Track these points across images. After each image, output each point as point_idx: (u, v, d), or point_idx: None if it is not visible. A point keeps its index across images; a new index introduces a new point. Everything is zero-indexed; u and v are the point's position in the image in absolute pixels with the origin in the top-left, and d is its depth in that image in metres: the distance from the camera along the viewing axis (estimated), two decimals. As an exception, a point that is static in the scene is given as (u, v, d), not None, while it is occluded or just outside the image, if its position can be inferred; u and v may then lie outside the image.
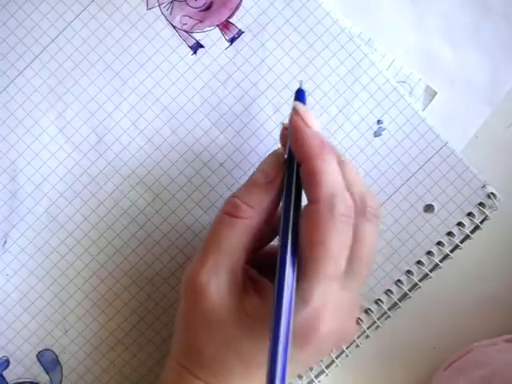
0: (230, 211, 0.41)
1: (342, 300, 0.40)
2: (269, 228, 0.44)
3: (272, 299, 0.38)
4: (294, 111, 0.42)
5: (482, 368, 0.47)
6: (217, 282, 0.40)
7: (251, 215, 0.41)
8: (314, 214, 0.38)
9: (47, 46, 0.49)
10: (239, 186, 0.49)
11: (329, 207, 0.38)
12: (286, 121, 0.43)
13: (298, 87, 0.44)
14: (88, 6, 0.49)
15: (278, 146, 0.50)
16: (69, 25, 0.49)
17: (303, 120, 0.41)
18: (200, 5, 0.49)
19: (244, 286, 0.42)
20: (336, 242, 0.38)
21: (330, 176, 0.39)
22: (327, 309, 0.39)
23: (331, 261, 0.38)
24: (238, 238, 0.41)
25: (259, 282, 0.43)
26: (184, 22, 0.49)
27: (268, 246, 0.47)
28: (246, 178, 0.49)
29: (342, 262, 0.39)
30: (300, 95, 0.44)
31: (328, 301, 0.39)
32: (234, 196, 0.42)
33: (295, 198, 0.41)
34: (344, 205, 0.39)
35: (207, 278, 0.40)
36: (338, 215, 0.38)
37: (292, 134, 0.41)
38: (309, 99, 0.50)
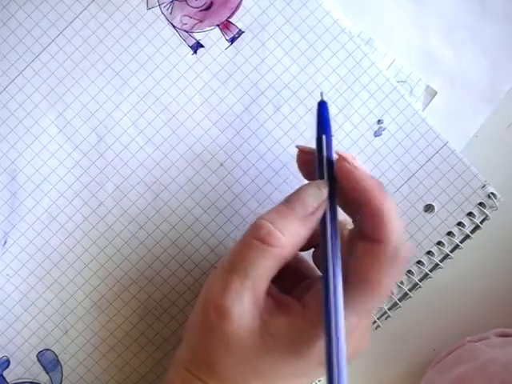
0: (262, 237, 0.39)
1: (364, 326, 0.41)
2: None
3: (298, 316, 0.39)
4: (338, 156, 0.40)
5: (466, 364, 0.47)
6: (240, 308, 0.39)
7: (284, 245, 0.39)
8: (377, 254, 0.38)
9: (47, 45, 0.49)
10: (239, 185, 0.50)
11: (395, 252, 0.38)
12: (299, 142, 0.45)
13: (319, 99, 0.42)
14: (88, 5, 0.49)
15: (278, 145, 0.50)
16: (69, 25, 0.49)
17: (349, 163, 0.39)
18: (200, 4, 0.49)
19: (267, 308, 0.41)
20: (390, 285, 0.39)
21: (398, 222, 0.39)
22: (354, 335, 0.40)
23: (380, 300, 0.39)
24: (266, 266, 0.40)
25: (282, 301, 0.42)
26: (184, 22, 0.49)
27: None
28: (246, 178, 0.50)
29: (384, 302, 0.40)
30: (322, 108, 0.42)
31: (355, 328, 0.40)
32: (265, 219, 0.40)
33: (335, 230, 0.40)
34: (405, 253, 0.39)
35: (231, 302, 0.39)
36: (401, 261, 0.38)
37: (344, 175, 0.39)
38: (309, 99, 0.50)
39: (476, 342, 0.51)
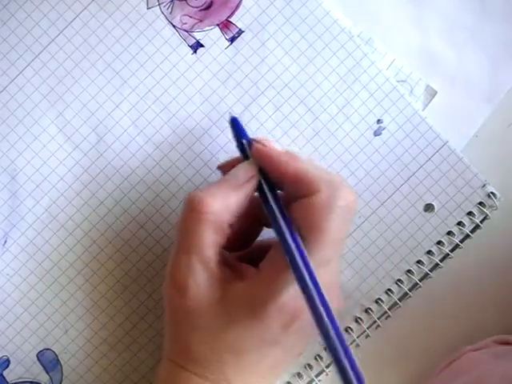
0: (194, 207, 0.41)
1: (327, 276, 0.41)
2: (250, 225, 0.46)
3: (253, 279, 0.41)
4: (253, 140, 0.44)
5: (466, 375, 0.47)
6: (194, 280, 0.41)
7: (217, 211, 0.41)
8: (311, 204, 0.40)
9: (47, 45, 0.49)
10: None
11: (328, 197, 0.40)
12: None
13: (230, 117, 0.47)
14: (88, 5, 0.49)
15: (278, 145, 0.50)
16: (69, 24, 0.49)
17: (262, 144, 0.43)
18: (200, 4, 0.49)
19: (224, 277, 0.42)
20: (334, 230, 0.40)
21: (319, 171, 0.42)
22: None
23: (331, 248, 0.40)
24: (206, 235, 0.41)
25: (238, 268, 0.43)
26: (184, 22, 0.49)
27: (257, 241, 0.48)
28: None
29: (340, 248, 0.42)
30: (235, 122, 0.47)
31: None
32: (196, 191, 0.42)
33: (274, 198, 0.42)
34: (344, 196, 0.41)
35: (184, 277, 0.41)
36: (338, 205, 0.40)
37: (259, 154, 0.43)
38: (309, 98, 0.50)
39: (476, 350, 0.51)
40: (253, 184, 0.42)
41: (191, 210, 0.41)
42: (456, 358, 0.51)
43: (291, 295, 0.40)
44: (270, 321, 0.40)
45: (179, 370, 0.42)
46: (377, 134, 0.51)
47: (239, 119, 0.47)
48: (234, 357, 0.41)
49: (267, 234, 0.47)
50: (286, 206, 0.42)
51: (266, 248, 0.44)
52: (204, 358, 0.41)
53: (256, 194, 0.43)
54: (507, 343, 0.50)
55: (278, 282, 0.40)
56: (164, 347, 0.45)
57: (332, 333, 0.36)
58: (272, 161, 0.42)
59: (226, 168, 0.45)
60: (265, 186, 0.43)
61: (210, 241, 0.41)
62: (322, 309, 0.36)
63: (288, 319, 0.40)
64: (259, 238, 0.48)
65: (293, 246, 0.39)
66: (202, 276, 0.41)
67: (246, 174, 0.43)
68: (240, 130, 0.46)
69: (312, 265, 0.38)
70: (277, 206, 0.42)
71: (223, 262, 0.43)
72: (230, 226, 0.42)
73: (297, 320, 0.40)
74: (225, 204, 0.41)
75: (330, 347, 0.35)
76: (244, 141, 0.45)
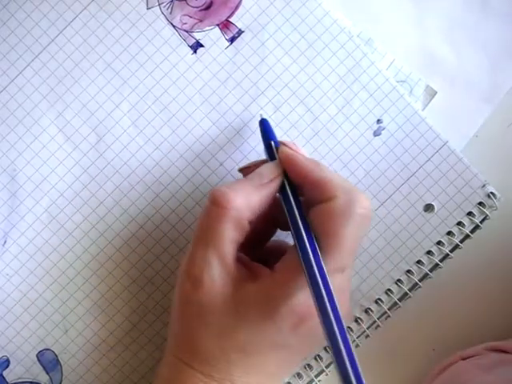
0: (216, 201, 0.41)
1: (337, 282, 0.41)
2: (265, 226, 0.46)
3: (267, 280, 0.41)
4: (280, 142, 0.45)
5: None
6: (209, 275, 0.41)
7: (239, 207, 0.41)
8: (328, 210, 0.40)
9: (47, 45, 0.49)
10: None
11: (346, 204, 0.40)
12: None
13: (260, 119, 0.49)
14: (88, 5, 0.49)
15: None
16: (69, 24, 0.49)
17: (289, 147, 0.45)
18: (200, 4, 0.49)
19: (239, 275, 0.42)
20: (350, 237, 0.40)
21: (338, 178, 0.42)
22: None
23: (345, 253, 0.40)
24: (226, 230, 0.41)
25: (253, 268, 0.43)
26: (184, 22, 0.49)
27: (271, 241, 0.48)
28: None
29: (354, 255, 0.41)
30: (265, 124, 0.48)
31: None
32: (220, 186, 0.42)
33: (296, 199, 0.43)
34: (361, 203, 0.41)
35: (200, 271, 0.41)
36: (356, 212, 0.40)
37: (285, 157, 0.44)
38: (308, 98, 0.50)
39: (468, 358, 0.51)
40: (276, 184, 0.43)
41: (214, 204, 0.41)
42: (446, 365, 0.51)
43: (304, 298, 0.40)
44: (281, 322, 0.40)
45: (184, 368, 0.42)
46: (376, 134, 0.51)
47: (269, 121, 0.48)
48: (243, 357, 0.41)
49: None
50: (304, 211, 0.42)
51: (278, 250, 0.45)
52: (212, 357, 0.41)
53: (277, 195, 0.44)
54: (498, 350, 0.50)
55: (291, 284, 0.40)
56: (168, 344, 0.45)
57: (340, 342, 0.35)
58: (297, 164, 0.43)
59: (246, 170, 0.46)
60: (288, 188, 0.43)
61: (229, 236, 0.41)
62: (332, 316, 0.36)
63: (299, 321, 0.40)
64: (273, 238, 0.49)
65: (309, 249, 0.39)
66: (217, 271, 0.41)
67: (270, 173, 0.43)
68: (269, 132, 0.47)
69: (327, 270, 0.38)
70: (297, 209, 0.42)
71: (239, 260, 0.43)
72: (249, 224, 0.43)
73: (307, 322, 0.40)
74: (247, 201, 0.42)
75: (336, 353, 0.35)
76: (272, 142, 0.45)
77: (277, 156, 0.44)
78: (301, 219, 0.41)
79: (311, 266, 0.38)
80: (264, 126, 0.48)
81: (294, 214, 0.42)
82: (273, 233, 0.49)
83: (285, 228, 0.47)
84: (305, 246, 0.40)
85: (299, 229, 0.41)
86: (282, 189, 0.43)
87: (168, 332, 0.45)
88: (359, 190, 0.42)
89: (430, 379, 0.52)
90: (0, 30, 0.49)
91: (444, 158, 0.51)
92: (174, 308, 0.44)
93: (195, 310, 0.41)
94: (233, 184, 0.43)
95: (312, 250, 0.39)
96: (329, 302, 0.37)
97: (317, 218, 0.41)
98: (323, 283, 0.37)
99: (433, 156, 0.51)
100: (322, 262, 0.39)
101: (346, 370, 0.34)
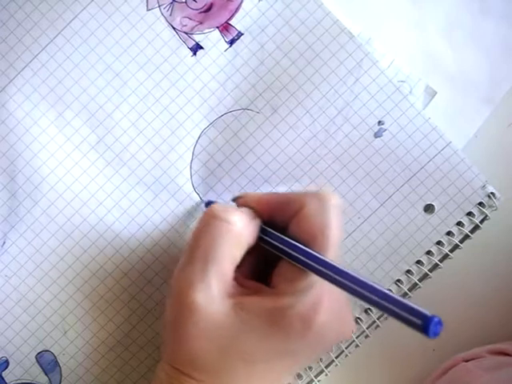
0: (219, 215, 0.41)
1: (337, 291, 0.41)
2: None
3: (267, 292, 0.41)
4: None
5: None
6: (208, 295, 0.40)
7: (241, 224, 0.41)
8: (308, 215, 0.41)
9: (46, 45, 0.49)
10: (237, 185, 0.50)
11: (319, 202, 0.41)
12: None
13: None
14: (87, 5, 0.49)
15: (275, 146, 0.50)
16: (68, 25, 0.49)
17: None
18: (200, 6, 0.50)
19: (236, 292, 0.41)
20: (337, 227, 0.40)
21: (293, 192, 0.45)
22: (326, 297, 0.40)
23: (332, 248, 0.40)
24: (228, 246, 0.41)
25: (249, 286, 0.43)
26: (184, 24, 0.50)
27: None
28: (244, 179, 0.50)
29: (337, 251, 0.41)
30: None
31: (326, 289, 0.40)
32: (219, 202, 0.43)
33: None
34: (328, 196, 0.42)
35: (198, 290, 0.40)
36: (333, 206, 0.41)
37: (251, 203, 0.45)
38: (306, 100, 0.50)
39: (470, 360, 0.50)
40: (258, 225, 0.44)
41: (215, 218, 0.41)
42: (448, 367, 0.51)
43: (307, 301, 0.40)
44: (289, 328, 0.40)
45: (183, 378, 0.41)
46: (377, 135, 0.51)
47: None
48: (247, 366, 0.41)
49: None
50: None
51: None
52: (213, 368, 0.41)
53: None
54: (500, 353, 0.50)
55: (293, 293, 0.40)
56: (163, 352, 0.44)
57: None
58: (257, 199, 0.44)
59: (240, 200, 0.46)
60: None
61: (231, 253, 0.41)
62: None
63: (306, 325, 0.40)
64: None
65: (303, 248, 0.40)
66: (216, 288, 0.40)
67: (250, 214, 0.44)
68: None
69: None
70: (275, 233, 0.43)
71: (235, 278, 0.42)
72: (248, 251, 0.43)
73: (314, 325, 0.40)
74: (248, 221, 0.42)
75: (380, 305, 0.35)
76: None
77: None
78: (279, 236, 0.42)
79: (315, 257, 0.39)
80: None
81: (274, 234, 0.42)
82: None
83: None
84: (296, 247, 0.40)
85: (284, 239, 0.41)
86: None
87: (163, 342, 0.45)
88: (317, 188, 0.44)
89: (431, 381, 0.52)
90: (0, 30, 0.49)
91: (446, 158, 0.50)
92: (169, 324, 0.43)
93: (195, 329, 0.40)
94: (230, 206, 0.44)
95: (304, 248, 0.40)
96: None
97: (298, 228, 0.41)
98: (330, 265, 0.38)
99: (435, 156, 0.50)
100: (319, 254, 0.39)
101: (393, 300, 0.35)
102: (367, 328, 0.52)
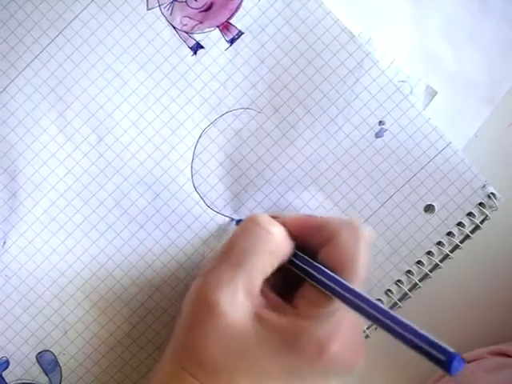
0: (261, 223, 0.41)
1: (354, 321, 0.41)
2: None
3: (289, 312, 0.41)
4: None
5: None
6: (232, 300, 0.40)
7: (282, 238, 0.42)
8: (338, 245, 0.41)
9: (47, 45, 0.49)
10: (238, 185, 0.50)
11: (352, 233, 0.42)
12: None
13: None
14: (88, 5, 0.49)
15: (276, 146, 0.50)
16: (68, 25, 0.49)
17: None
18: (200, 6, 0.50)
19: (258, 303, 0.41)
20: (365, 259, 0.41)
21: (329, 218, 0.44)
22: (343, 326, 0.40)
23: (358, 280, 0.41)
24: (262, 256, 0.41)
25: (272, 300, 0.42)
26: (184, 23, 0.49)
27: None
28: (244, 179, 0.50)
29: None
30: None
31: (344, 318, 0.41)
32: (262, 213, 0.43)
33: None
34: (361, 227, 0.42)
35: (223, 296, 0.40)
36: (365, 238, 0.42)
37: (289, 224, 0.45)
38: (308, 100, 0.50)
39: (471, 361, 0.50)
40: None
41: (257, 224, 0.41)
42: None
43: (325, 329, 0.40)
44: (301, 352, 0.40)
45: (187, 378, 0.41)
46: (378, 135, 0.51)
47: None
48: (252, 378, 0.41)
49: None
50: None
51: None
52: (220, 374, 0.41)
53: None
54: (501, 354, 0.50)
55: (314, 317, 0.40)
56: (171, 349, 0.44)
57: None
58: (292, 221, 0.44)
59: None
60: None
61: (262, 262, 0.41)
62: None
63: (317, 353, 0.40)
64: None
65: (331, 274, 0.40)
66: (242, 296, 0.40)
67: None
68: None
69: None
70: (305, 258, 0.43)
71: (262, 290, 0.42)
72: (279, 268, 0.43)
73: (325, 355, 0.40)
74: (287, 237, 0.42)
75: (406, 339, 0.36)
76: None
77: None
78: (309, 261, 0.42)
79: (343, 285, 0.39)
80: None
81: (304, 257, 0.43)
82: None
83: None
84: (325, 273, 0.41)
85: (313, 264, 0.42)
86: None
87: (173, 338, 0.44)
88: (351, 218, 0.44)
89: (432, 382, 0.52)
90: (0, 30, 0.49)
91: (446, 158, 0.50)
92: (186, 322, 0.43)
93: (210, 330, 0.40)
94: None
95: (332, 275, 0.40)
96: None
97: (328, 256, 0.42)
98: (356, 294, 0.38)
99: (435, 157, 0.51)
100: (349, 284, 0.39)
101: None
102: (367, 328, 0.52)
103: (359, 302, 0.38)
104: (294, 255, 0.43)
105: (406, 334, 0.35)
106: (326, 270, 0.41)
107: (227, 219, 0.51)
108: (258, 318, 0.40)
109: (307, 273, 0.42)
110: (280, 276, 0.44)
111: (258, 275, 0.41)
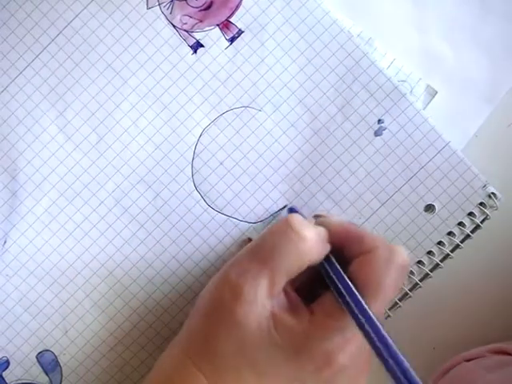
0: (296, 226, 0.41)
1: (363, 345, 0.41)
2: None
3: (305, 320, 0.41)
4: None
5: None
6: (253, 293, 0.40)
7: (313, 243, 0.41)
8: (371, 260, 0.41)
9: (47, 45, 0.49)
10: (239, 184, 0.50)
11: (388, 253, 0.41)
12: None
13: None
14: (88, 5, 0.49)
15: (277, 144, 0.50)
16: (68, 24, 0.49)
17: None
18: (200, 4, 0.49)
19: (278, 304, 0.41)
20: (391, 286, 0.41)
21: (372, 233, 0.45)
22: (354, 342, 0.40)
23: (385, 301, 0.41)
24: (290, 258, 0.41)
25: (293, 302, 0.42)
26: (184, 22, 0.49)
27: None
28: (245, 177, 0.50)
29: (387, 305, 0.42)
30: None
31: (356, 336, 0.40)
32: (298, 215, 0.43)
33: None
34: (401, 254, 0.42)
35: (247, 285, 0.40)
36: (396, 261, 0.41)
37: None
38: (308, 98, 0.50)
39: (471, 360, 0.51)
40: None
41: (289, 226, 0.41)
42: (449, 367, 0.51)
43: (337, 342, 0.40)
44: (308, 360, 0.40)
45: (191, 368, 0.41)
46: (377, 134, 0.51)
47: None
48: (255, 378, 0.41)
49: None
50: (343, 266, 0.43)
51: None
52: (225, 368, 0.41)
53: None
54: (501, 352, 0.50)
55: (329, 328, 0.40)
56: (179, 337, 0.44)
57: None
58: (339, 225, 0.44)
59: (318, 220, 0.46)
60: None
61: (288, 264, 0.41)
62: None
63: (324, 365, 0.40)
64: None
65: (355, 292, 0.40)
66: (262, 292, 0.40)
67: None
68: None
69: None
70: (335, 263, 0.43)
71: (284, 289, 0.42)
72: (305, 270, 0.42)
73: (331, 368, 0.40)
74: (319, 242, 0.42)
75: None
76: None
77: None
78: (338, 270, 0.42)
79: (363, 309, 0.39)
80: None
81: (335, 265, 0.42)
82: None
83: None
84: (349, 288, 0.40)
85: (341, 275, 0.41)
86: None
87: (184, 326, 0.44)
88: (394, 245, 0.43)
89: (433, 381, 0.52)
90: (0, 29, 0.49)
91: (446, 158, 0.50)
92: (201, 306, 0.43)
93: (225, 320, 0.41)
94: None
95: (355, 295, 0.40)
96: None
97: (358, 269, 0.41)
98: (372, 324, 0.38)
99: (434, 156, 0.51)
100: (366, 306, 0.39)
101: None
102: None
103: (370, 330, 0.38)
104: (327, 259, 0.43)
105: (403, 377, 0.37)
106: (350, 284, 0.40)
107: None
108: (272, 317, 0.40)
109: (332, 281, 0.41)
110: (310, 273, 0.44)
111: (283, 277, 0.41)
